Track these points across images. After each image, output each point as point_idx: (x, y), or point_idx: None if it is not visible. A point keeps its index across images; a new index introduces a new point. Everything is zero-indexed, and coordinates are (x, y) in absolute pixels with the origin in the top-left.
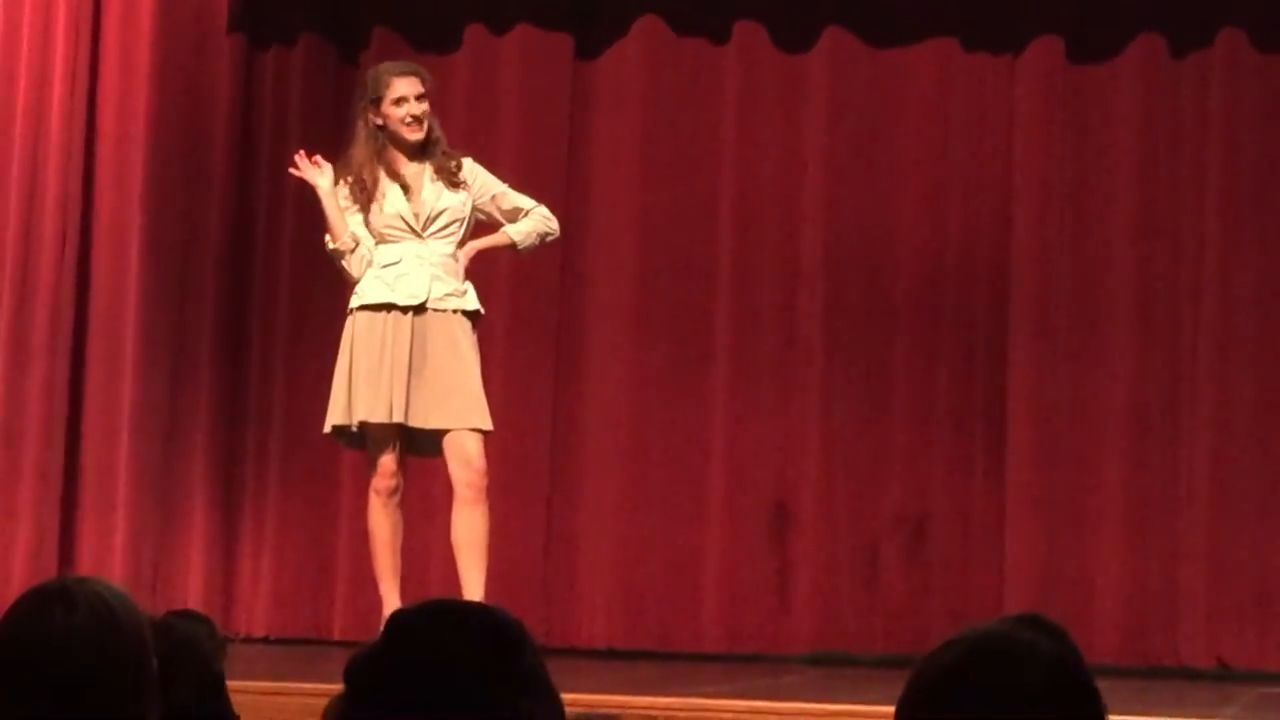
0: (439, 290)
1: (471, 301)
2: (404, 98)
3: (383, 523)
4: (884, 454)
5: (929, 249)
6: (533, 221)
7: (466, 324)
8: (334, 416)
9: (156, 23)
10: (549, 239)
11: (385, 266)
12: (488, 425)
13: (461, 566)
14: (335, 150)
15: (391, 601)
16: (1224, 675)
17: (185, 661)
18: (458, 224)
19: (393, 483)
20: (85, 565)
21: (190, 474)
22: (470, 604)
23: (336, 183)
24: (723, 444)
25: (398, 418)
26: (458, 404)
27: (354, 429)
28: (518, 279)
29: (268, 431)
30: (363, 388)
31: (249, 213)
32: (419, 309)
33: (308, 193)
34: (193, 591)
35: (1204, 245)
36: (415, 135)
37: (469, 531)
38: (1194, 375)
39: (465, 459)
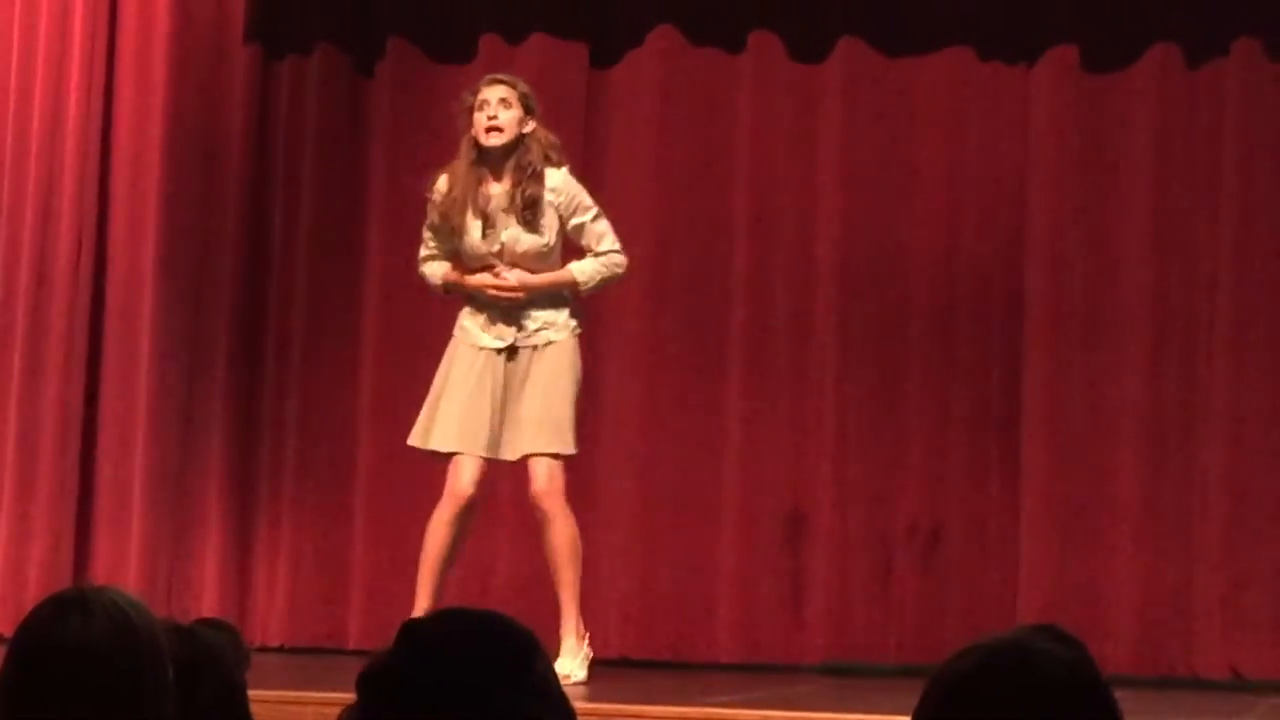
0: (528, 327)
1: (563, 330)
2: (485, 101)
3: (442, 538)
4: (898, 463)
5: (944, 257)
6: (599, 266)
7: (563, 349)
8: (414, 436)
9: (172, 32)
10: (612, 282)
11: (480, 307)
12: (556, 448)
13: (555, 581)
14: (353, 159)
15: (421, 609)
16: (1238, 686)
17: (208, 670)
18: (539, 258)
19: (466, 504)
20: (100, 574)
21: (205, 483)
22: (482, 613)
23: (437, 177)
24: (737, 453)
25: (484, 452)
26: (530, 432)
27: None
28: None
29: (283, 440)
30: (451, 419)
31: (264, 222)
32: (509, 349)
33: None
34: (207, 600)
35: (1219, 254)
36: (491, 140)
37: (548, 547)
38: (1209, 385)
39: (538, 475)
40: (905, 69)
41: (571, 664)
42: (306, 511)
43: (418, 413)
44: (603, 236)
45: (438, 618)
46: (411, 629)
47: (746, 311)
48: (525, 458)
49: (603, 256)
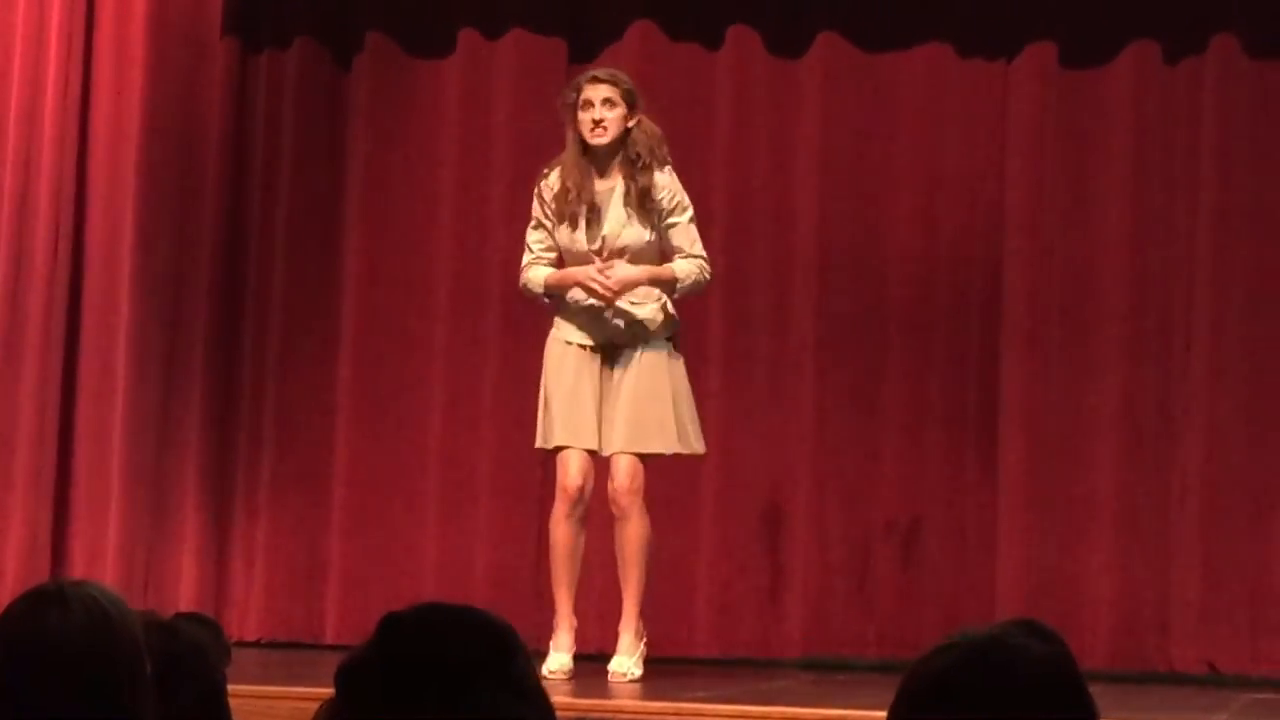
0: (623, 326)
1: (660, 331)
2: (589, 101)
3: (562, 534)
4: (876, 459)
5: (922, 253)
6: (694, 268)
7: (658, 350)
8: (539, 440)
9: (150, 26)
10: (700, 289)
11: (576, 302)
12: (639, 447)
13: (620, 577)
14: (331, 153)
15: (565, 612)
16: (1215, 681)
17: (189, 665)
18: (643, 255)
19: (576, 495)
20: (77, 569)
21: (183, 477)
22: (461, 608)
23: (547, 171)
24: (715, 448)
25: (588, 444)
26: (619, 430)
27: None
28: (511, 286)
29: (260, 435)
30: (558, 416)
31: (242, 217)
32: (606, 346)
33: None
34: (185, 595)
35: (1196, 251)
36: (596, 139)
37: (620, 542)
38: (1186, 381)
39: (618, 470)
40: (884, 65)
41: (628, 662)
42: (284, 505)
43: (396, 406)
44: (695, 241)
45: (417, 613)
46: (390, 624)
47: (724, 306)
48: (612, 455)
49: (696, 260)
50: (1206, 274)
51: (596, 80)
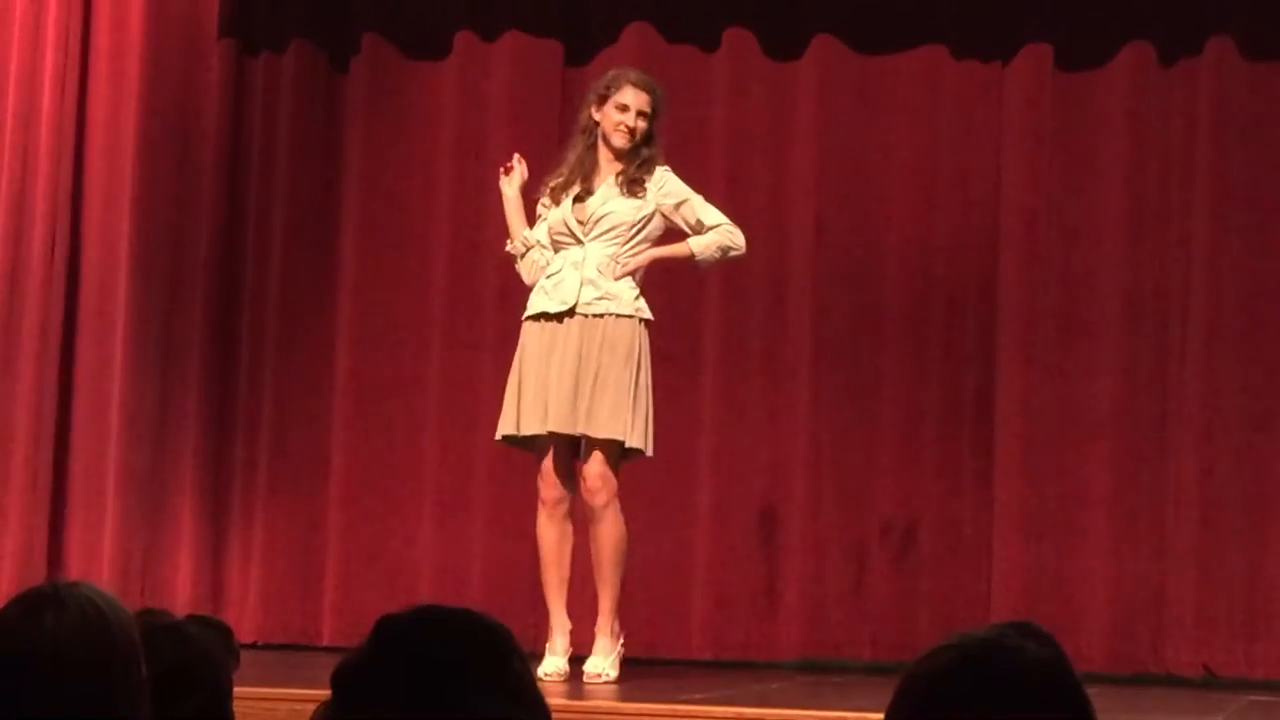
0: (589, 294)
1: (626, 306)
2: (627, 107)
3: (548, 533)
4: (872, 462)
5: (918, 255)
6: (715, 235)
7: (623, 327)
8: (504, 426)
9: (146, 29)
10: (731, 254)
11: (549, 276)
12: (621, 436)
13: (595, 578)
14: (327, 155)
15: (557, 614)
16: (1210, 683)
17: (197, 668)
18: (624, 228)
19: (556, 493)
20: (73, 570)
21: (179, 479)
22: (458, 610)
23: (548, 177)
24: (711, 451)
25: (552, 426)
26: (595, 411)
27: (522, 437)
28: (507, 287)
29: (256, 438)
30: (527, 399)
31: (238, 219)
32: (570, 314)
33: (304, 197)
34: (181, 596)
35: (1192, 254)
36: (619, 141)
37: (593, 544)
38: (1182, 383)
39: (587, 469)
40: (880, 66)
41: (604, 663)
42: (280, 508)
43: (392, 408)
44: (709, 211)
45: (413, 615)
46: (386, 625)
47: (720, 309)
48: (586, 443)
49: (717, 228)
50: (1202, 276)
51: (640, 87)
